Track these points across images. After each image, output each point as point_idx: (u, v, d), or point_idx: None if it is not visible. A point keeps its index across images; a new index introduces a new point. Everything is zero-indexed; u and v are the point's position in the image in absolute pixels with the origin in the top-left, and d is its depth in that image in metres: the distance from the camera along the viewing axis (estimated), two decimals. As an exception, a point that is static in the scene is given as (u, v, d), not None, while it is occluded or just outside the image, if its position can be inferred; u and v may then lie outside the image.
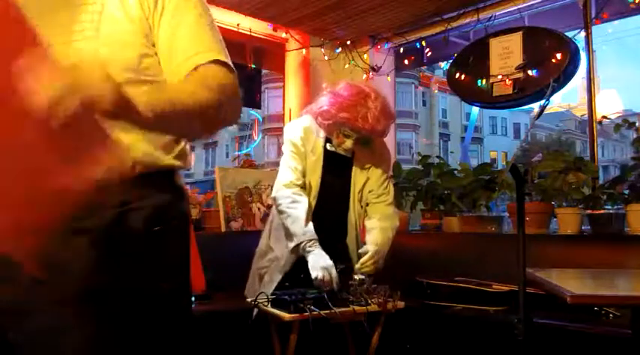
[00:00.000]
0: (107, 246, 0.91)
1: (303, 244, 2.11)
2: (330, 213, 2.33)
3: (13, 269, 0.84)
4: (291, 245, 2.14)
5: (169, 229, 1.00)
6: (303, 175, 2.28)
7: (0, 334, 0.89)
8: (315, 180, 2.29)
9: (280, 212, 2.20)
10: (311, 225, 2.16)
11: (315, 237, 2.12)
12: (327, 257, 2.10)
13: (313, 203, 2.29)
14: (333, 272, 2.09)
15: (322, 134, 2.31)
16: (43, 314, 0.88)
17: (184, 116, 0.89)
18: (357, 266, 2.19)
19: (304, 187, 2.27)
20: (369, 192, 2.37)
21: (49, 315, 0.88)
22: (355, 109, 2.13)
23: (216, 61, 0.99)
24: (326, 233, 2.20)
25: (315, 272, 2.06)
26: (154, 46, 1.00)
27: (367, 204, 2.38)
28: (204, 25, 1.02)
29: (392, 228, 2.35)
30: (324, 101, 2.22)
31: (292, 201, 2.18)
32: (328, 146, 2.30)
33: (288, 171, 2.25)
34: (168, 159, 1.00)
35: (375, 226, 2.32)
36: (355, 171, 2.35)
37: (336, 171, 2.33)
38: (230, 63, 1.01)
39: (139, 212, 0.95)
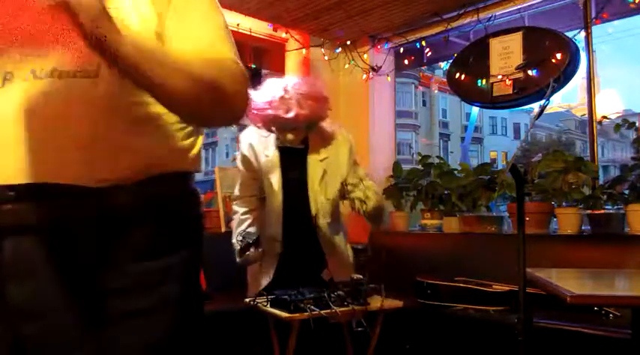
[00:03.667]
0: (148, 240, 0.94)
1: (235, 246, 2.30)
2: (296, 210, 2.29)
3: (35, 265, 0.85)
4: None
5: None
6: (253, 180, 2.36)
7: (12, 330, 0.87)
8: (276, 178, 2.26)
9: None
10: (242, 228, 2.32)
11: (241, 238, 2.27)
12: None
13: (279, 200, 2.27)
14: (238, 244, 2.22)
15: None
16: (68, 310, 0.86)
17: (174, 74, 0.81)
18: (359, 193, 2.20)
19: (254, 195, 2.38)
20: (345, 184, 2.28)
21: (76, 311, 0.87)
22: (276, 104, 2.12)
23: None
24: (295, 232, 2.19)
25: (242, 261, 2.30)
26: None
27: (350, 193, 2.29)
28: (218, 28, 0.98)
29: (377, 191, 2.31)
30: (250, 106, 2.20)
31: (233, 212, 2.44)
32: (278, 142, 2.28)
33: (236, 187, 2.45)
34: (184, 163, 1.01)
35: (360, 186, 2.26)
36: (310, 162, 2.29)
37: (294, 164, 2.29)
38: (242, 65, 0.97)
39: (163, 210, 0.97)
